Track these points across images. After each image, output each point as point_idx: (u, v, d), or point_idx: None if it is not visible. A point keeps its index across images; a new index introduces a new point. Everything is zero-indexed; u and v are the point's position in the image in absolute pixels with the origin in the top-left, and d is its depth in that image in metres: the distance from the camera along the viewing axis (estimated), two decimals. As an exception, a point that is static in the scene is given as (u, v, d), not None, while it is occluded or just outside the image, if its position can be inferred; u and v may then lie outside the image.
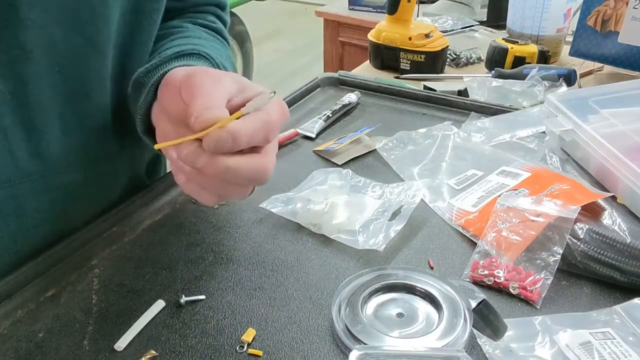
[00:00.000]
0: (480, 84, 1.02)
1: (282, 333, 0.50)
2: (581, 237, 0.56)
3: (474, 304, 0.48)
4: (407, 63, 1.18)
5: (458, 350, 0.46)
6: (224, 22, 0.73)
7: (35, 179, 0.56)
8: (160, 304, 0.52)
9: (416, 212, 0.63)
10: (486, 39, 1.36)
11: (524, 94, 0.99)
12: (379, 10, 2.07)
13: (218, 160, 0.43)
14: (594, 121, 0.71)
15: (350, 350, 0.45)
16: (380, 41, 1.20)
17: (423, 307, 0.51)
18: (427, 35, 1.16)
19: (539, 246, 0.56)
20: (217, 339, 0.49)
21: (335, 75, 1.00)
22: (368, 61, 1.27)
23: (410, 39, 1.16)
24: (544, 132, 0.80)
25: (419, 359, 0.45)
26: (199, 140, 0.44)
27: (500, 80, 1.04)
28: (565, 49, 1.24)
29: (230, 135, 0.43)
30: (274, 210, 0.65)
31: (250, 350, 0.48)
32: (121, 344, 0.48)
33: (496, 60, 1.16)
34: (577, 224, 0.56)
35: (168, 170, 0.66)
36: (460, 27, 1.48)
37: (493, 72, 1.12)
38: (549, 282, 0.54)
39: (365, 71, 1.23)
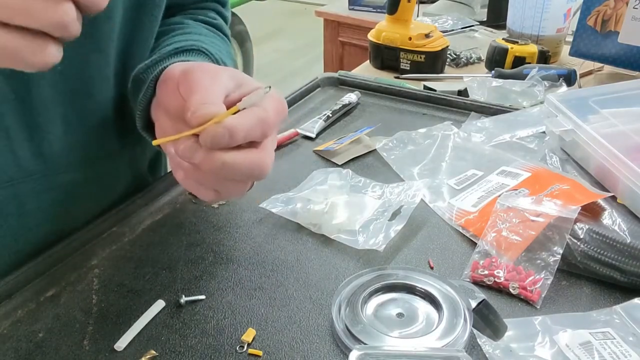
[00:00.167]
0: (480, 84, 1.02)
1: (282, 333, 0.50)
2: (581, 237, 0.56)
3: (474, 304, 0.48)
4: (407, 63, 1.18)
5: (458, 350, 0.46)
6: (224, 19, 0.73)
7: (37, 178, 0.57)
8: (160, 304, 0.52)
9: (416, 212, 0.63)
10: (486, 39, 1.36)
11: (524, 94, 0.99)
12: (379, 10, 2.07)
13: (215, 155, 0.43)
14: (594, 121, 0.71)
15: (350, 350, 0.45)
16: (380, 41, 1.20)
17: (423, 307, 0.51)
18: (427, 35, 1.16)
19: (539, 246, 0.56)
20: (217, 339, 0.49)
21: (335, 75, 1.00)
22: (368, 61, 1.27)
23: (410, 39, 1.16)
24: (544, 132, 0.80)
25: (419, 359, 0.45)
26: (197, 135, 0.44)
27: (500, 80, 1.04)
28: (565, 49, 1.24)
29: (227, 131, 0.42)
30: (274, 210, 0.65)
31: (250, 350, 0.48)
32: (121, 344, 0.48)
33: (496, 60, 1.16)
34: (577, 224, 0.56)
35: (169, 170, 0.66)
36: (460, 27, 1.48)
37: (493, 72, 1.12)
38: (549, 282, 0.54)
39: (365, 71, 1.23)
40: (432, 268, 0.57)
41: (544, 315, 0.50)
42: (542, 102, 0.93)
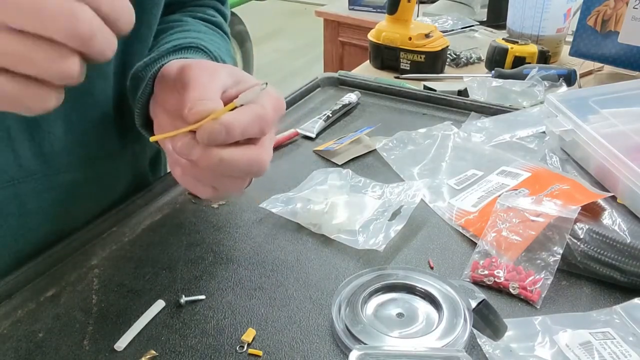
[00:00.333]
0: (480, 84, 1.02)
1: (282, 333, 0.50)
2: (581, 237, 0.56)
3: (474, 304, 0.48)
4: (407, 63, 1.18)
5: (458, 350, 0.46)
6: (224, 16, 0.73)
7: (38, 178, 0.57)
8: (160, 304, 0.52)
9: (416, 212, 0.63)
10: (486, 39, 1.36)
11: (524, 94, 1.00)
12: (379, 10, 2.07)
13: (212, 152, 0.43)
14: (594, 121, 0.71)
15: (350, 350, 0.45)
16: (380, 41, 1.20)
17: (423, 307, 0.51)
18: (427, 35, 1.16)
19: (539, 246, 0.56)
20: (217, 339, 0.49)
21: (335, 75, 1.00)
22: (368, 61, 1.27)
23: (410, 39, 1.16)
24: (544, 132, 0.80)
25: (419, 359, 0.45)
26: (194, 132, 0.43)
27: (500, 80, 1.04)
28: (565, 49, 1.24)
29: (224, 127, 0.42)
30: (274, 210, 0.65)
31: (250, 350, 0.48)
32: (121, 344, 0.48)
33: (496, 60, 1.16)
34: (577, 224, 0.56)
35: (169, 170, 0.66)
36: (460, 27, 1.48)
37: (493, 72, 1.12)
38: (549, 282, 0.54)
39: (365, 71, 1.23)
40: (432, 268, 0.57)
41: (544, 315, 0.50)
42: (542, 102, 0.93)
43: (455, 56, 1.26)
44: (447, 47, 1.19)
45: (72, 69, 0.35)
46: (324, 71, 1.56)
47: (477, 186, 0.68)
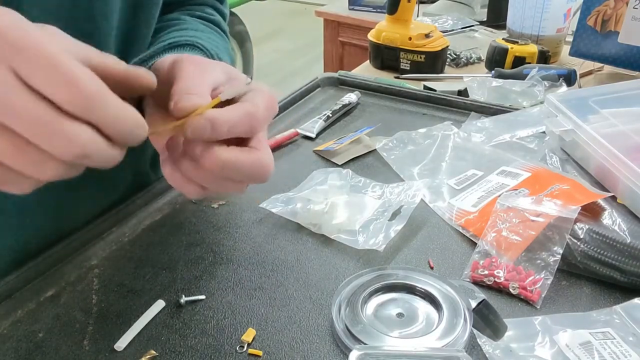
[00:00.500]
0: (480, 84, 1.02)
1: (282, 333, 0.50)
2: (581, 237, 0.56)
3: (474, 304, 0.48)
4: (407, 63, 1.18)
5: (458, 350, 0.46)
6: (222, 15, 0.73)
7: None
8: (160, 304, 0.52)
9: (416, 212, 0.63)
10: (486, 39, 1.36)
11: (524, 94, 1.00)
12: (379, 10, 2.07)
13: (215, 154, 0.43)
14: (594, 121, 0.71)
15: (350, 350, 0.45)
16: (380, 41, 1.20)
17: (423, 307, 0.51)
18: (427, 35, 1.16)
19: (539, 246, 0.56)
20: (217, 339, 0.49)
21: (335, 75, 1.00)
22: (368, 61, 1.27)
23: (410, 39, 1.16)
24: (544, 132, 0.80)
25: (419, 359, 0.45)
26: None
27: (500, 80, 1.04)
28: (565, 49, 1.24)
29: (209, 122, 0.41)
30: (274, 210, 0.65)
31: (250, 350, 0.48)
32: (121, 344, 0.48)
33: (496, 60, 1.16)
34: (577, 224, 0.56)
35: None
36: (460, 27, 1.48)
37: (493, 72, 1.12)
38: (549, 282, 0.54)
39: (365, 71, 1.23)
40: (432, 268, 0.57)
41: (544, 315, 0.50)
42: (542, 102, 0.93)
43: (455, 56, 1.26)
44: (447, 47, 1.19)
45: (54, 173, 0.38)
46: (324, 71, 1.56)
47: (477, 186, 0.68)
